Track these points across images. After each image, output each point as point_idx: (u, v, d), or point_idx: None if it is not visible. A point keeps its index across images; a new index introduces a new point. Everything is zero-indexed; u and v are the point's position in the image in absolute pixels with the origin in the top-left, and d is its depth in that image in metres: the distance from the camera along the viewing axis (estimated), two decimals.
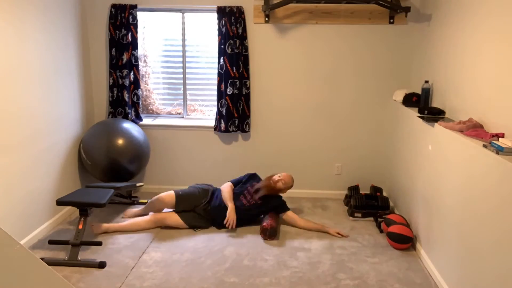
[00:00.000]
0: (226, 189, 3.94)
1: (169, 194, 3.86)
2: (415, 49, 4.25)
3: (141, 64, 4.60)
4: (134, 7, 4.33)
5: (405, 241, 3.47)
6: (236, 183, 4.08)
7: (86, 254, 3.31)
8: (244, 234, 3.74)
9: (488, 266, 2.27)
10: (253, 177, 4.12)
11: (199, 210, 3.82)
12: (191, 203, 3.83)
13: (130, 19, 4.34)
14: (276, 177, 3.94)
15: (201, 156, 4.68)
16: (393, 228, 3.52)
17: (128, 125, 4.27)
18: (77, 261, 3.17)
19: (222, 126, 4.47)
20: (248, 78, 4.39)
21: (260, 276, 3.10)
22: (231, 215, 3.75)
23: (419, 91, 3.85)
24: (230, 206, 3.78)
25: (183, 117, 4.75)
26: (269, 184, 3.90)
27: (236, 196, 3.91)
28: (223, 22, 4.27)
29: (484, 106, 2.72)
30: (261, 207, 3.87)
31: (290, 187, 4.00)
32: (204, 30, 4.54)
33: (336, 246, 3.55)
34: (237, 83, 4.37)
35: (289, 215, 3.88)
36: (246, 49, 4.33)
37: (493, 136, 2.41)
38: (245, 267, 3.21)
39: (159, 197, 3.86)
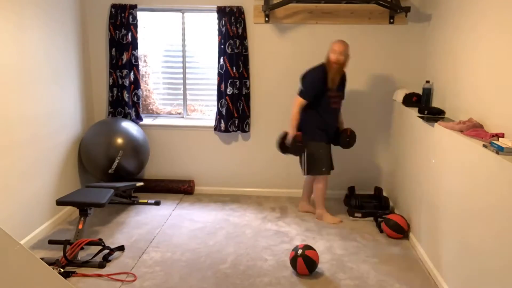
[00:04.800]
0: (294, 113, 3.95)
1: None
2: (415, 49, 4.25)
3: (141, 64, 4.60)
4: (134, 7, 4.33)
5: (399, 231, 3.61)
6: (313, 98, 3.92)
7: (86, 254, 3.31)
8: (245, 233, 3.74)
9: (489, 265, 2.27)
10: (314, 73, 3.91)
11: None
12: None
13: (130, 19, 4.34)
14: (332, 57, 3.77)
15: (201, 156, 4.68)
16: (391, 217, 3.75)
17: (127, 125, 4.27)
18: (77, 261, 3.17)
19: (222, 126, 4.47)
20: (248, 78, 4.39)
21: (260, 276, 3.10)
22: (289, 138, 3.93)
23: (419, 91, 3.85)
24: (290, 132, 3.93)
25: (183, 117, 4.75)
26: (331, 67, 3.79)
27: (327, 108, 3.91)
28: (223, 22, 4.27)
29: (484, 106, 2.72)
30: (343, 89, 4.01)
31: (346, 50, 3.78)
32: (204, 30, 4.54)
33: (336, 246, 3.55)
34: (237, 83, 4.37)
35: None
36: (246, 49, 4.33)
37: (493, 136, 2.40)
38: (245, 267, 3.21)
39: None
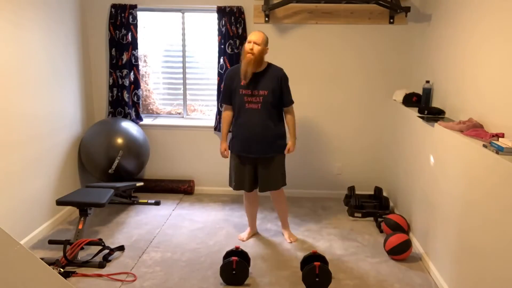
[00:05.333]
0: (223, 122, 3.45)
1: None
2: (415, 49, 4.25)
3: (141, 64, 4.60)
4: (134, 7, 4.33)
5: (399, 231, 3.53)
6: (228, 100, 3.39)
7: (86, 254, 3.31)
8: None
9: (488, 266, 2.27)
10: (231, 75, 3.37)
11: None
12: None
13: (130, 19, 4.34)
14: (246, 46, 3.24)
15: (201, 156, 4.68)
16: (391, 217, 3.70)
17: (127, 125, 4.27)
18: (77, 261, 3.17)
19: None
20: None
21: (260, 276, 3.10)
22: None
23: (419, 91, 3.85)
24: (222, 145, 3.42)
25: (183, 117, 4.75)
26: (244, 59, 3.23)
27: (241, 109, 3.32)
28: (223, 22, 4.27)
29: (484, 106, 2.73)
30: (268, 87, 3.28)
31: (262, 39, 3.26)
32: (204, 30, 4.54)
33: (336, 246, 3.55)
34: None
35: (290, 111, 3.44)
36: None
37: (493, 136, 2.41)
38: None
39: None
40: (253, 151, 3.33)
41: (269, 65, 3.37)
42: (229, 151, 3.47)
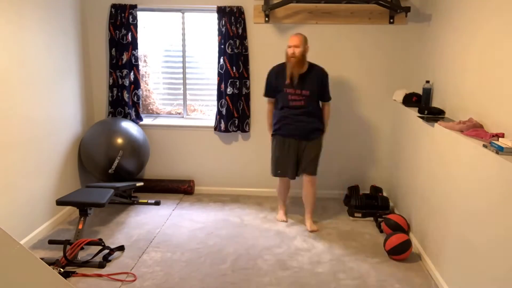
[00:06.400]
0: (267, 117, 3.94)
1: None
2: (415, 49, 4.25)
3: (141, 64, 4.60)
4: (134, 7, 4.34)
5: (399, 231, 3.52)
6: (273, 94, 3.81)
7: (86, 254, 3.31)
8: (245, 233, 3.74)
9: (489, 265, 2.27)
10: (278, 73, 3.75)
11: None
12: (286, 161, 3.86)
13: (130, 19, 4.34)
14: (287, 51, 3.61)
15: (201, 156, 4.68)
16: (391, 217, 3.70)
17: (127, 125, 4.28)
18: (77, 261, 3.17)
19: (222, 126, 4.47)
20: (248, 78, 4.39)
21: (260, 276, 3.10)
22: None
23: (419, 91, 3.85)
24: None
25: (183, 117, 4.75)
26: (288, 62, 3.62)
27: (285, 105, 3.71)
28: (223, 22, 4.27)
29: (484, 106, 2.73)
30: (311, 88, 3.66)
31: (301, 41, 3.56)
32: (204, 30, 4.54)
33: (336, 246, 3.55)
34: (237, 83, 4.37)
35: (326, 105, 3.85)
36: (246, 49, 4.33)
37: (493, 136, 2.41)
38: (245, 267, 3.21)
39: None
40: (296, 135, 3.73)
41: (311, 65, 3.69)
42: (273, 137, 3.85)
